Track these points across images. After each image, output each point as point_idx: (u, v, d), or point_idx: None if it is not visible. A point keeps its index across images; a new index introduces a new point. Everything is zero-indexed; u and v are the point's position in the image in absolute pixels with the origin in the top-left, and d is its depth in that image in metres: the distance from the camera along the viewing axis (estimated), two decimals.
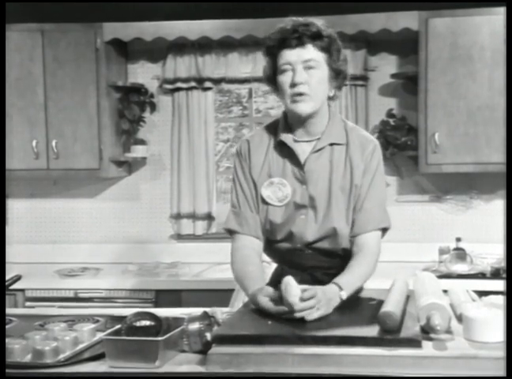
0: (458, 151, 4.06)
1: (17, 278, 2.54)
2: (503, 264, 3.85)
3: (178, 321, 1.95)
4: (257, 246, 2.38)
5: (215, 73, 4.52)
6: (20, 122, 4.30)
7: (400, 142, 4.30)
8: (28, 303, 4.08)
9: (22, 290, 4.07)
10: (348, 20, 4.07)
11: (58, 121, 4.31)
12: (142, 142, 4.63)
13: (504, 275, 3.80)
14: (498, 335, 1.75)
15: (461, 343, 1.79)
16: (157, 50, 4.58)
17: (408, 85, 4.38)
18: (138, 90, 4.57)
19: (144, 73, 4.66)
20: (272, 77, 2.32)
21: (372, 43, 4.42)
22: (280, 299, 1.96)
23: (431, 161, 4.09)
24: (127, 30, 4.29)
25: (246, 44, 4.42)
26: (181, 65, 4.52)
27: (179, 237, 4.68)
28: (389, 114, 4.40)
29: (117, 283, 4.10)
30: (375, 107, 4.47)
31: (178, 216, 4.62)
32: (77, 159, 4.33)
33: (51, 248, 4.71)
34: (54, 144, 4.30)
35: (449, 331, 1.85)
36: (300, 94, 2.23)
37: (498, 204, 4.29)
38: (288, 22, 2.26)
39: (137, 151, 4.56)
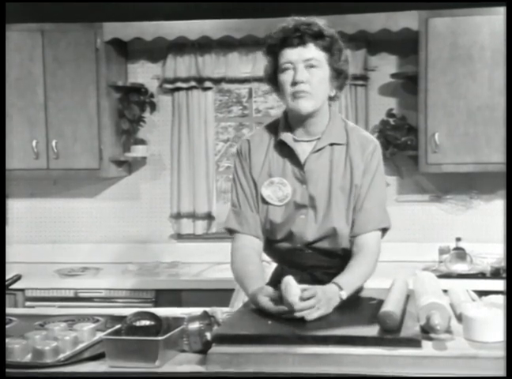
0: (458, 151, 4.06)
1: (17, 278, 2.54)
2: (503, 264, 3.85)
3: (178, 321, 1.95)
4: (257, 246, 2.38)
5: (215, 73, 4.52)
6: (20, 122, 4.31)
7: (401, 142, 4.30)
8: (28, 303, 4.08)
9: (22, 290, 4.07)
10: (348, 20, 4.07)
11: (58, 121, 4.31)
12: (142, 142, 4.63)
13: (504, 275, 3.81)
14: (498, 334, 1.75)
15: (461, 342, 1.79)
16: (157, 50, 4.58)
17: (408, 85, 4.38)
18: (138, 90, 4.57)
19: (144, 73, 4.66)
20: (273, 77, 2.32)
21: (372, 43, 4.42)
22: (280, 299, 1.96)
23: (431, 161, 4.09)
24: (127, 30, 4.29)
25: (246, 44, 4.42)
26: (181, 65, 4.52)
27: (179, 237, 4.68)
28: (389, 114, 4.40)
29: (117, 283, 4.10)
30: (375, 107, 4.47)
31: (178, 216, 4.62)
32: (77, 159, 4.33)
33: (51, 248, 4.72)
34: (54, 144, 4.30)
35: (449, 330, 1.85)
36: (301, 92, 2.23)
37: (498, 204, 4.29)
38: (289, 21, 2.27)
39: (137, 151, 4.56)
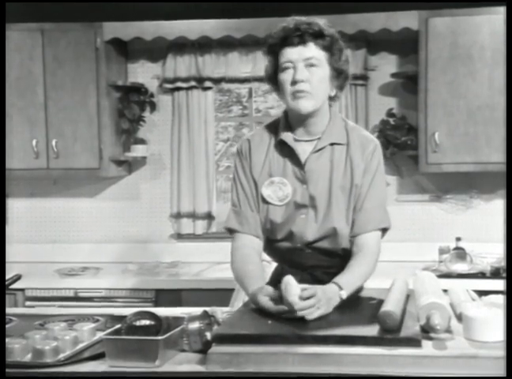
0: (458, 150, 4.06)
1: (17, 277, 2.54)
2: (503, 264, 3.85)
3: (178, 321, 1.95)
4: (258, 245, 2.39)
5: (215, 73, 4.52)
6: (20, 122, 4.30)
7: (401, 141, 4.30)
8: (28, 303, 4.08)
9: (22, 290, 4.07)
10: (348, 20, 4.07)
11: (58, 120, 4.31)
12: (142, 141, 4.63)
13: (504, 275, 3.80)
14: (498, 334, 1.75)
15: (461, 342, 1.79)
16: (157, 50, 4.58)
17: (408, 85, 4.38)
18: (138, 89, 4.57)
19: (144, 73, 4.66)
20: (273, 76, 2.33)
21: (372, 43, 4.42)
22: (280, 298, 1.96)
23: (431, 160, 4.09)
24: (127, 29, 4.29)
25: (246, 44, 4.42)
26: (181, 65, 4.52)
27: (179, 236, 4.68)
28: (389, 114, 4.40)
29: (117, 283, 4.10)
30: (375, 107, 4.47)
31: (178, 216, 4.62)
32: (77, 159, 4.33)
33: (51, 247, 4.71)
34: (54, 143, 4.30)
35: (449, 330, 1.85)
36: (301, 92, 2.23)
37: (498, 204, 4.29)
38: (290, 21, 2.27)
39: (137, 151, 4.56)
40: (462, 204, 4.42)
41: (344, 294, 2.07)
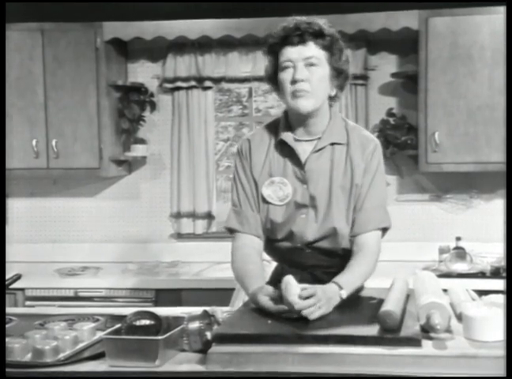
0: (458, 150, 4.06)
1: (17, 277, 2.54)
2: (503, 263, 3.86)
3: (178, 320, 1.95)
4: (258, 245, 2.38)
5: (215, 72, 4.52)
6: (20, 122, 4.30)
7: (401, 141, 4.30)
8: (28, 302, 4.08)
9: (22, 290, 4.07)
10: (348, 20, 4.07)
11: (58, 120, 4.31)
12: (142, 141, 4.63)
13: (504, 275, 3.81)
14: (498, 334, 1.75)
15: (461, 342, 1.79)
16: (157, 50, 4.58)
17: (408, 84, 4.38)
18: (138, 89, 4.57)
19: (144, 73, 4.66)
20: (273, 76, 2.33)
21: (372, 43, 4.42)
22: (280, 298, 1.96)
23: (431, 160, 4.09)
24: (127, 29, 4.29)
25: (246, 43, 4.42)
26: (181, 65, 4.52)
27: (179, 236, 4.68)
28: (389, 114, 4.40)
29: (117, 282, 4.10)
30: (375, 106, 4.47)
31: (178, 215, 4.62)
32: (77, 159, 4.33)
33: (51, 247, 4.71)
34: (54, 143, 4.30)
35: (449, 330, 1.85)
36: (301, 91, 2.22)
37: (498, 204, 4.29)
38: (290, 21, 2.27)
39: (137, 151, 4.56)
40: (462, 203, 4.42)
41: (344, 294, 2.07)
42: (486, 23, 3.99)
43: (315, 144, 2.34)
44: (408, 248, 4.36)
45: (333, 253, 2.35)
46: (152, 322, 1.92)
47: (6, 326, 2.16)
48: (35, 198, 4.75)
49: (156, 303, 4.00)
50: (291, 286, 1.94)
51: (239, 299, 2.62)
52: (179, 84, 4.53)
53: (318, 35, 2.24)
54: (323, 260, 2.37)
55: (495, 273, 3.86)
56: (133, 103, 4.52)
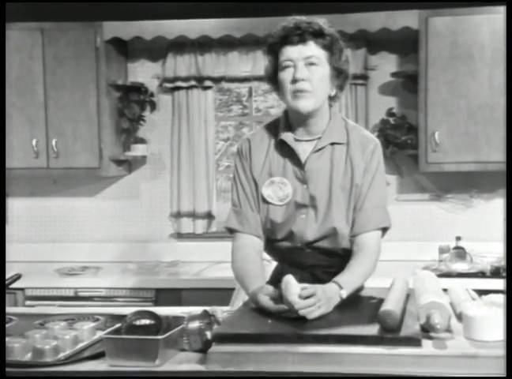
0: (458, 149, 4.06)
1: (17, 277, 2.54)
2: (503, 263, 3.85)
3: (178, 320, 1.95)
4: (258, 245, 2.38)
5: (215, 72, 4.52)
6: (20, 121, 4.30)
7: (401, 141, 4.30)
8: (28, 302, 4.08)
9: (22, 289, 4.07)
10: (348, 19, 4.07)
11: (58, 120, 4.31)
12: (142, 141, 4.63)
13: (504, 274, 3.80)
14: (498, 333, 1.75)
15: (461, 341, 1.79)
16: (157, 49, 4.58)
17: (408, 84, 4.38)
18: (138, 89, 4.57)
19: (144, 72, 4.66)
20: (273, 76, 2.32)
21: (372, 42, 4.42)
22: (280, 298, 1.96)
23: (431, 160, 4.09)
24: (127, 29, 4.29)
25: (246, 43, 4.42)
26: (181, 64, 4.52)
27: (179, 236, 4.68)
28: (389, 113, 4.40)
29: (117, 282, 4.10)
30: (375, 106, 4.47)
31: (178, 215, 4.62)
32: (77, 158, 4.33)
33: (51, 247, 4.72)
34: (54, 142, 4.30)
35: (449, 330, 1.85)
36: (301, 90, 2.22)
37: (499, 203, 4.29)
38: (290, 20, 2.27)
39: (137, 150, 4.56)
40: (462, 203, 4.42)
41: (344, 294, 2.07)
42: (486, 22, 3.99)
43: (315, 143, 2.34)
44: (408, 247, 4.36)
45: (333, 252, 2.35)
46: (152, 322, 1.92)
47: (6, 326, 2.16)
48: (35, 198, 4.75)
49: (156, 303, 4.00)
50: (292, 285, 1.94)
51: (239, 299, 2.62)
52: (179, 83, 4.53)
53: (318, 34, 2.23)
54: (323, 260, 2.37)
55: (495, 273, 3.86)
56: (133, 102, 4.52)
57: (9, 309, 2.50)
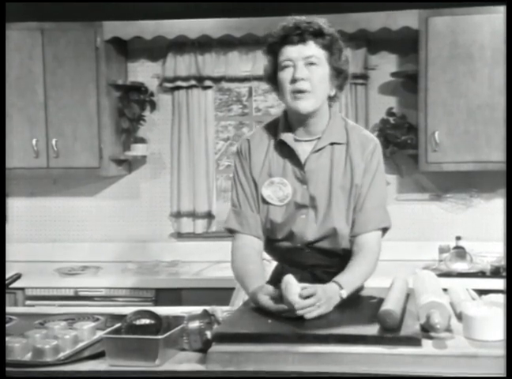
0: (458, 149, 4.06)
1: (17, 276, 2.54)
2: (503, 263, 3.85)
3: (178, 320, 1.95)
4: (258, 245, 2.38)
5: (215, 72, 4.52)
6: (20, 121, 4.30)
7: (401, 141, 4.30)
8: (28, 302, 4.08)
9: (22, 289, 4.07)
10: (348, 19, 4.07)
11: (58, 119, 4.31)
12: (142, 141, 4.63)
13: (504, 274, 3.81)
14: (498, 333, 1.75)
15: (461, 341, 1.79)
16: (157, 49, 4.58)
17: (408, 84, 4.38)
18: (138, 89, 4.57)
19: (144, 72, 4.66)
20: (272, 76, 2.32)
21: (372, 42, 4.42)
22: (280, 297, 1.96)
23: (431, 159, 4.09)
24: (127, 28, 4.29)
25: (246, 43, 4.42)
26: (181, 64, 4.52)
27: (179, 235, 4.68)
28: (389, 113, 4.40)
29: (117, 282, 4.10)
30: (375, 106, 4.47)
31: (178, 215, 4.62)
32: (77, 158, 4.33)
33: (51, 246, 4.72)
34: (54, 142, 4.30)
35: (449, 329, 1.85)
36: (301, 91, 2.22)
37: (498, 203, 4.30)
38: (290, 20, 2.26)
39: (137, 150, 4.56)
40: (462, 203, 4.42)
41: (345, 294, 2.07)
42: (486, 22, 3.99)
43: (315, 144, 2.33)
44: (408, 247, 4.36)
45: (333, 253, 2.35)
46: (152, 321, 1.92)
47: (6, 325, 2.16)
48: (35, 197, 4.75)
49: (156, 302, 4.00)
50: (292, 285, 1.94)
51: (239, 298, 2.62)
52: (179, 83, 4.53)
53: (317, 34, 2.23)
54: (323, 260, 2.37)
55: (495, 272, 3.86)
56: (133, 102, 4.52)
57: (9, 309, 2.51)
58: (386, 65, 4.45)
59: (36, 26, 4.29)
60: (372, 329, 1.81)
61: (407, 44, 4.34)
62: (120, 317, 2.01)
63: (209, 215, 4.61)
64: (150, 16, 4.25)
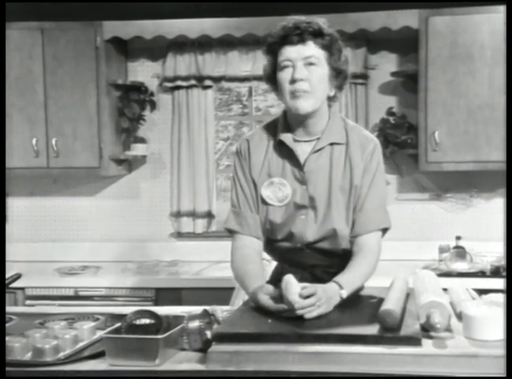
0: (458, 149, 4.06)
1: (17, 276, 2.55)
2: (503, 263, 3.85)
3: (178, 319, 1.95)
4: (258, 246, 2.38)
5: (215, 72, 4.52)
6: (20, 121, 4.30)
7: (401, 140, 4.30)
8: (28, 301, 4.08)
9: (22, 289, 4.07)
10: (348, 19, 4.07)
11: (58, 119, 4.31)
12: (142, 140, 4.63)
13: (504, 274, 3.80)
14: (498, 333, 1.75)
15: (461, 341, 1.79)
16: (157, 49, 4.58)
17: (408, 83, 4.38)
18: (138, 88, 4.57)
19: (144, 72, 4.66)
20: (272, 76, 2.32)
21: (372, 42, 4.42)
22: (280, 297, 1.96)
23: (431, 159, 4.09)
24: (127, 28, 4.29)
25: (246, 42, 4.42)
26: (181, 64, 4.52)
27: (179, 235, 4.68)
28: (389, 113, 4.40)
29: (117, 282, 4.11)
30: (375, 106, 4.47)
31: (178, 214, 4.62)
32: (77, 158, 4.33)
33: (51, 246, 4.72)
34: (54, 142, 4.30)
35: (449, 329, 1.85)
36: (300, 91, 2.21)
37: (498, 203, 4.30)
38: (289, 20, 2.26)
39: (137, 150, 4.56)
40: (462, 202, 4.42)
41: (345, 294, 2.07)
42: (486, 22, 3.99)
43: (314, 144, 2.33)
44: (408, 247, 4.36)
45: (333, 253, 2.35)
46: (152, 321, 1.92)
47: (6, 325, 2.16)
48: (35, 197, 4.75)
49: (156, 302, 4.00)
50: (292, 285, 1.94)
51: (239, 298, 2.62)
52: (179, 83, 4.53)
53: (317, 34, 2.23)
54: (323, 260, 2.37)
55: (495, 272, 3.86)
56: (133, 102, 4.52)
57: (9, 309, 2.51)
58: (386, 64, 4.45)
59: (36, 26, 4.29)
60: (372, 329, 1.81)
61: (407, 44, 4.34)
62: (120, 317, 2.01)
63: (209, 215, 4.61)
64: (150, 16, 4.25)
